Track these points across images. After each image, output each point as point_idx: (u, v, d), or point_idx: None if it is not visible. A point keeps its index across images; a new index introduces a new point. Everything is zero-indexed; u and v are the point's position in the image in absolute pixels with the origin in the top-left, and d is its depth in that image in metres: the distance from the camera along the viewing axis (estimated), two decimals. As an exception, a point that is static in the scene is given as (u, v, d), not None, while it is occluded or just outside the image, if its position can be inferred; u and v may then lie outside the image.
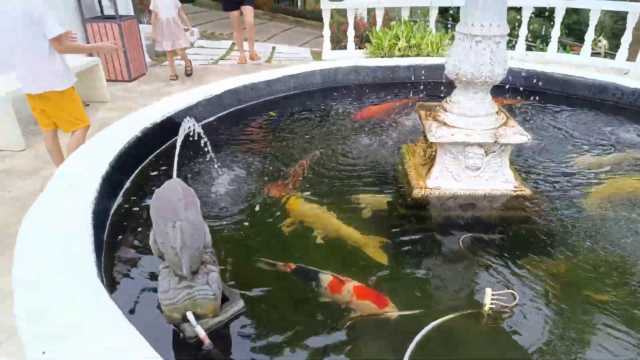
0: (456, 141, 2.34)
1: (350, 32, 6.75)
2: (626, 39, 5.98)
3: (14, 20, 2.84)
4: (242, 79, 3.95)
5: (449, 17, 10.18)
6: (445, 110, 2.48)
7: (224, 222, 2.21)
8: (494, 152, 2.40)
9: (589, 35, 6.34)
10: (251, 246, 2.07)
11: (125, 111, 4.56)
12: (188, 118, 2.29)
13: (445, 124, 2.42)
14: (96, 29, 5.44)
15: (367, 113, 3.75)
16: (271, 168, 2.79)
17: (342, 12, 7.50)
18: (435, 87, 4.06)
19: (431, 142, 2.47)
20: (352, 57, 6.67)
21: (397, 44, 6.29)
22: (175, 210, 1.37)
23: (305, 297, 1.79)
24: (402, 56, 6.31)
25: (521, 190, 2.45)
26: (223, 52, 7.82)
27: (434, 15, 6.70)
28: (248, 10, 6.60)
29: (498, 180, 2.47)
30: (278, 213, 2.30)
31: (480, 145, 2.36)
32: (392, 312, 1.68)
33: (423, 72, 4.49)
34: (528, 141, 2.34)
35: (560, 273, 1.89)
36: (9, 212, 3.12)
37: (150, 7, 5.58)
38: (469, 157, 2.41)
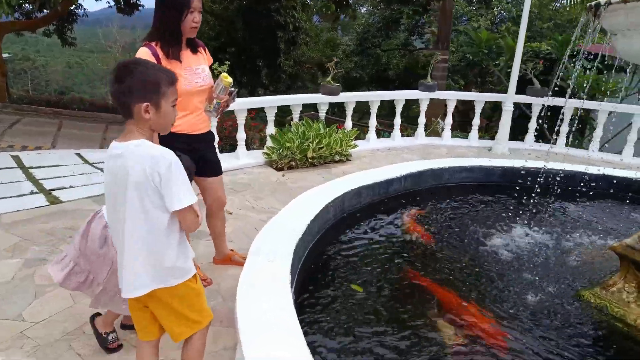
0: None
1: (241, 137, 5.74)
2: (476, 122, 7.20)
3: None
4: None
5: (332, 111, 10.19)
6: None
7: None
8: None
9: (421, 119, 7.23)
10: None
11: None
12: None
13: None
14: None
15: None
16: None
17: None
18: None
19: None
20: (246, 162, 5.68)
21: (310, 145, 5.71)
22: None
23: None
24: (312, 158, 5.76)
25: None
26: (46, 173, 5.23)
27: (323, 110, 6.45)
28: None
29: None
30: None
31: None
32: None
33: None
34: None
35: None
36: None
37: None
38: None
